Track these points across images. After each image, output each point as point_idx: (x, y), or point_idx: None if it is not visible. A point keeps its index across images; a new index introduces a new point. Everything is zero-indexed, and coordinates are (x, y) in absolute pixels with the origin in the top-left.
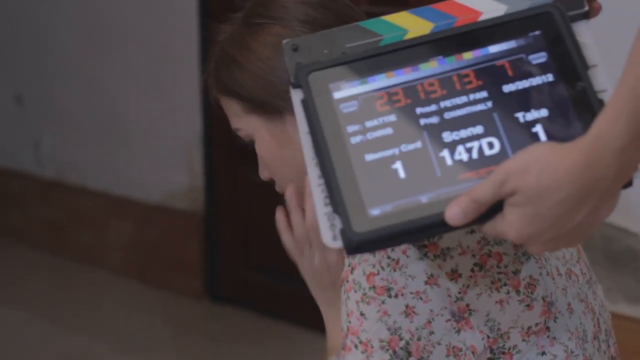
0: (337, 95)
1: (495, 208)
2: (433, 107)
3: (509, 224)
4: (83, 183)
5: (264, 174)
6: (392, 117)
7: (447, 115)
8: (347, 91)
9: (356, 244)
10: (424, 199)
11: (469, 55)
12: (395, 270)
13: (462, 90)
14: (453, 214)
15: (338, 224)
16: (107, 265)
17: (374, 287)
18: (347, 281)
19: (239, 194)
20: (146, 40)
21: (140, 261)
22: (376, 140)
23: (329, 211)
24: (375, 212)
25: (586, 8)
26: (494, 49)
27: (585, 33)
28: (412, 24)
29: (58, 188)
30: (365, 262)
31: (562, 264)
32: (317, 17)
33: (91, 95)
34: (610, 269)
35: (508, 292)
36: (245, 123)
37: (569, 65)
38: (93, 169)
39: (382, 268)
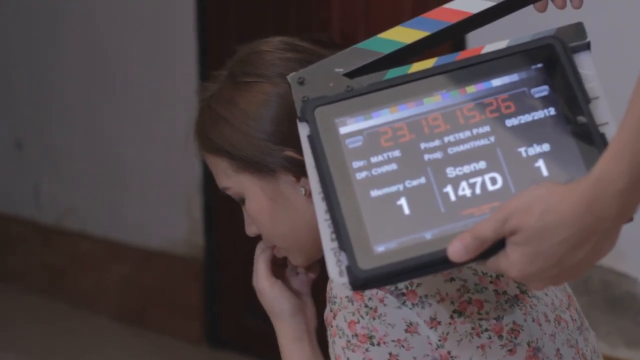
0: (343, 130)
1: (498, 245)
2: (437, 142)
3: (511, 263)
4: (82, 227)
5: (251, 230)
6: (396, 153)
7: (451, 150)
8: (353, 126)
9: (362, 281)
10: (428, 235)
11: (472, 89)
12: (374, 319)
13: (465, 125)
14: (455, 251)
15: (344, 260)
16: (106, 309)
17: (356, 335)
18: (332, 326)
19: (239, 239)
20: (146, 85)
21: (140, 306)
22: (381, 176)
23: (335, 247)
24: (380, 248)
25: (588, 39)
26: (497, 82)
27: (587, 64)
28: (407, 36)
29: (57, 232)
30: (345, 309)
31: (551, 310)
32: None
33: (91, 140)
34: (610, 313)
35: (490, 337)
36: (235, 182)
37: (571, 98)
38: (92, 214)
39: (362, 316)
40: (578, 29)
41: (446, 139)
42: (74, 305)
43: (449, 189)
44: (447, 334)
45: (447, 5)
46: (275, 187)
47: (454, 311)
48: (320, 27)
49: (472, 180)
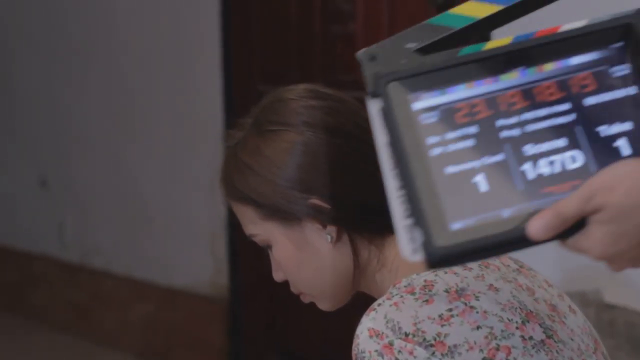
0: (417, 105)
1: (578, 224)
2: (514, 119)
3: (594, 242)
4: (107, 266)
5: (278, 276)
6: (472, 129)
7: (529, 127)
8: (427, 102)
9: (438, 258)
10: (505, 213)
11: (550, 67)
12: None
13: (543, 102)
14: (536, 229)
15: (418, 237)
16: (130, 348)
17: None
18: None
19: (263, 279)
20: (170, 125)
21: (163, 345)
22: (456, 152)
23: (409, 224)
24: (456, 225)
25: None
26: (575, 60)
27: None
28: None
29: (82, 271)
30: None
31: (577, 355)
32: (330, 121)
33: (115, 179)
34: (635, 355)
35: None
36: (262, 229)
37: None
38: (117, 252)
39: None
40: None
41: (524, 116)
42: (98, 344)
43: (527, 166)
44: None
45: None
46: (301, 235)
47: (484, 359)
48: (345, 68)
49: (551, 158)
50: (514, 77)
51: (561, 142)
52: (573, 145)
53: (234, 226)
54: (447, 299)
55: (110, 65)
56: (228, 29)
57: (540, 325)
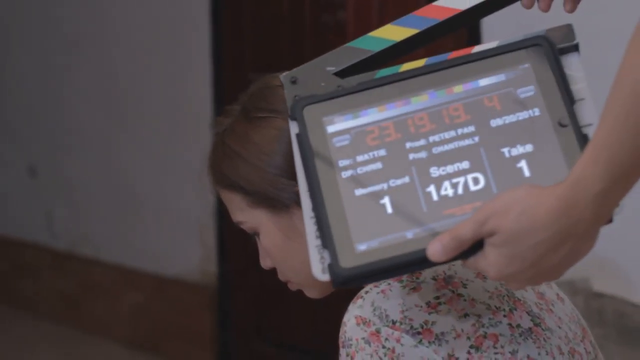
0: (331, 129)
1: (477, 245)
2: (422, 142)
3: (489, 263)
4: (96, 255)
5: (265, 263)
6: (382, 152)
7: (436, 149)
8: (340, 125)
9: (342, 279)
10: (409, 234)
11: (459, 89)
12: None
13: (450, 125)
14: (434, 251)
15: (327, 257)
16: (119, 337)
17: None
18: None
19: (251, 267)
20: (161, 115)
21: (153, 333)
22: (366, 175)
23: (319, 244)
24: (362, 247)
25: (576, 41)
26: (484, 82)
27: (575, 66)
28: (397, 34)
29: (71, 260)
30: (362, 351)
31: (565, 343)
32: None
33: (104, 168)
34: (623, 345)
35: None
36: (249, 216)
37: (555, 99)
38: (106, 241)
39: (380, 358)
40: (567, 31)
41: (431, 139)
42: (87, 332)
43: (431, 188)
44: None
45: (436, 3)
46: (289, 222)
47: (471, 346)
48: None
49: (454, 180)
50: (424, 100)
51: (465, 164)
52: (476, 167)
53: (222, 215)
54: (435, 287)
55: (100, 54)
56: (219, 18)
57: (527, 313)
